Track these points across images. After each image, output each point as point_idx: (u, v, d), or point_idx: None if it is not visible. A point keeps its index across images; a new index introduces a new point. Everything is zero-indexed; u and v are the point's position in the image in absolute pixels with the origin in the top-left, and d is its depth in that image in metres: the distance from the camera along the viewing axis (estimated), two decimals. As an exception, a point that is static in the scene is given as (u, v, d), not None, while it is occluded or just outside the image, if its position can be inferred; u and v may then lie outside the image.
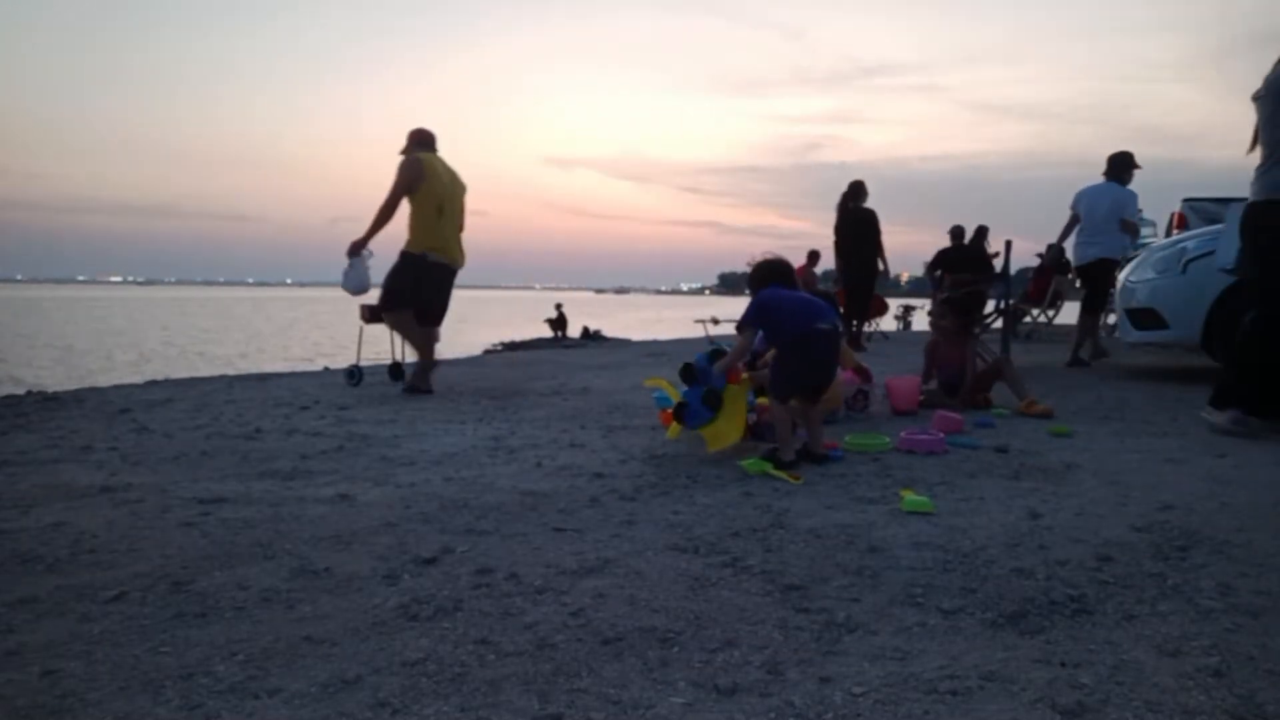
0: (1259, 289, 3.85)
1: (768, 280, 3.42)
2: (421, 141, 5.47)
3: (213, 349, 18.28)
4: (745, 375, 3.51)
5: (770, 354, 3.65)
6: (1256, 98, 3.83)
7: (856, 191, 9.07)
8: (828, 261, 10.46)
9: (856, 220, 9.05)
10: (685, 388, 3.36)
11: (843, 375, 4.30)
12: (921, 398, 4.67)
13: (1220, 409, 3.89)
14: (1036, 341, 10.73)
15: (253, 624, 1.68)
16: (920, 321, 16.36)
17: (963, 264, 10.02)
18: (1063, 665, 1.49)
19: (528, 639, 1.60)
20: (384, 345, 6.16)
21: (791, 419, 3.27)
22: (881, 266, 9.32)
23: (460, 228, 5.54)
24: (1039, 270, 12.07)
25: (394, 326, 5.51)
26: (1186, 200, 9.13)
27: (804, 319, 3.25)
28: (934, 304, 5.52)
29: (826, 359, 3.32)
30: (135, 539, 2.22)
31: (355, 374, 5.92)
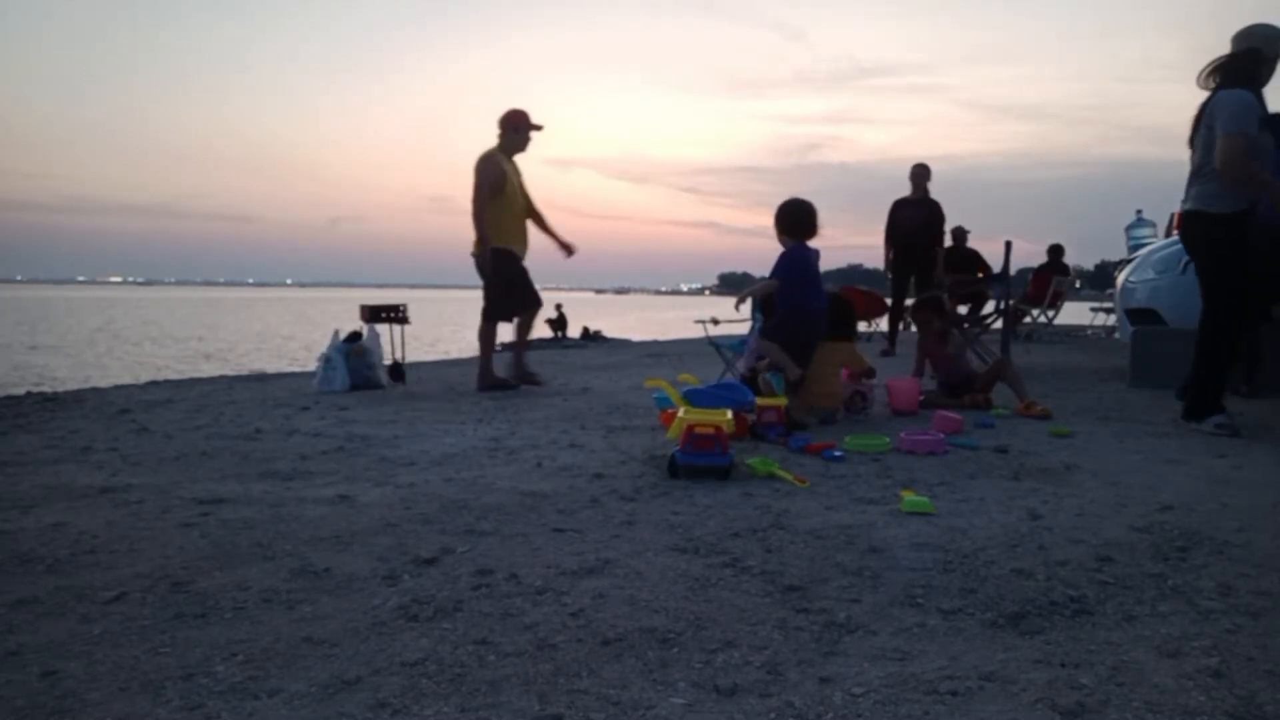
0: (1203, 295, 3.97)
1: (796, 230, 4.05)
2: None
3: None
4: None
5: (765, 362, 3.91)
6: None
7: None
8: (829, 261, 10.28)
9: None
10: (687, 388, 3.38)
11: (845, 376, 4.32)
12: (921, 398, 4.67)
13: (1199, 419, 3.99)
14: (1036, 342, 10.74)
15: (253, 624, 1.67)
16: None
17: (960, 263, 10.02)
18: (1062, 666, 1.49)
19: (528, 639, 1.60)
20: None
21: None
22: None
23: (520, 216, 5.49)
24: (1039, 270, 12.07)
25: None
26: (1186, 200, 9.13)
27: (812, 294, 4.00)
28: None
29: (818, 332, 4.07)
30: (135, 539, 2.21)
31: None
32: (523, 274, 5.52)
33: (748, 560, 2.05)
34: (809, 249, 4.05)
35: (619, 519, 2.43)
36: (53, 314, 33.16)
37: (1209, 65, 3.89)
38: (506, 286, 5.44)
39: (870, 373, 4.42)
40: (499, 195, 5.31)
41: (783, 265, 3.96)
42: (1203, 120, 3.85)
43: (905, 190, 8.38)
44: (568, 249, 5.74)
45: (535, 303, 5.58)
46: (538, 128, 5.54)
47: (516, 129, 5.48)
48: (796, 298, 3.95)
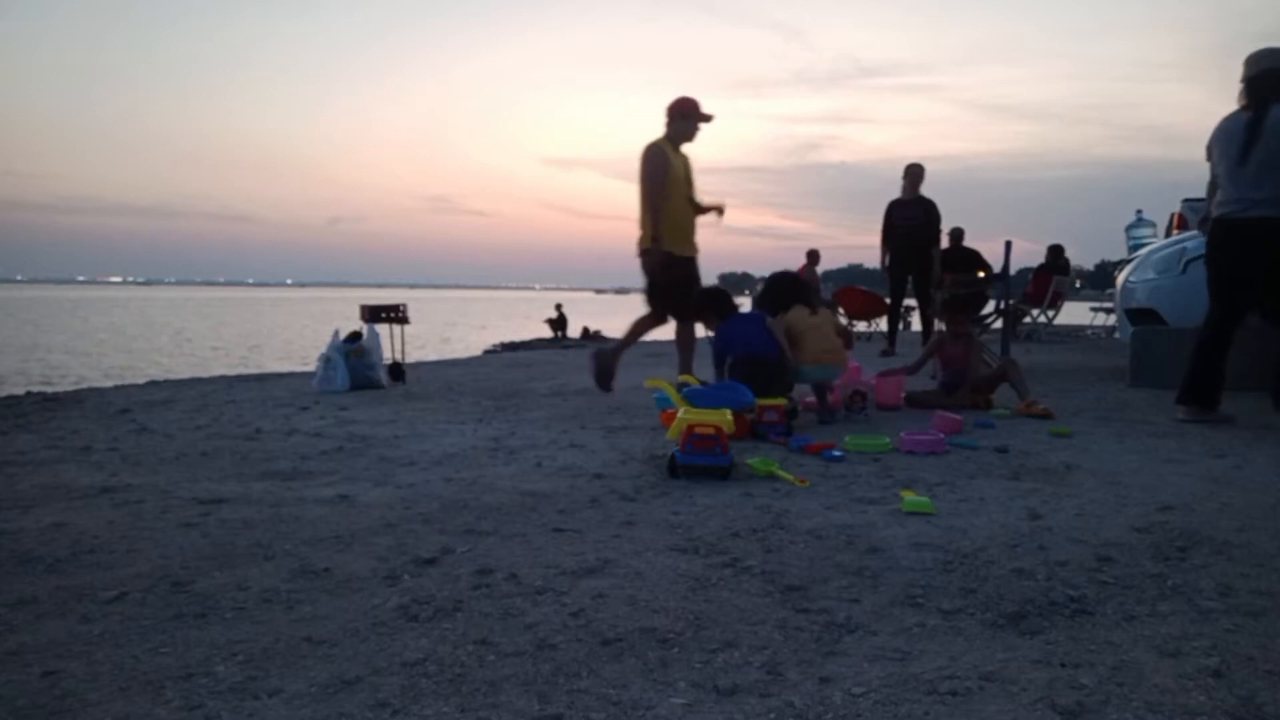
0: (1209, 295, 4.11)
1: (718, 311, 4.49)
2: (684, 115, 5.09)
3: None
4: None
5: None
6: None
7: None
8: (829, 261, 10.30)
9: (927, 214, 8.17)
10: (687, 387, 3.38)
11: (850, 367, 4.46)
12: (903, 395, 4.72)
13: (1193, 408, 4.08)
14: (1036, 342, 10.74)
15: (253, 624, 1.67)
16: (919, 322, 16.38)
17: (958, 263, 10.03)
18: (1063, 666, 1.49)
19: (528, 639, 1.60)
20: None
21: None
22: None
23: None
24: (1039, 270, 12.07)
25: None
26: (1187, 200, 9.13)
27: (750, 346, 4.22)
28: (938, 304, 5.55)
29: (765, 371, 4.06)
30: (135, 539, 2.22)
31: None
32: (677, 284, 5.07)
33: (748, 560, 2.05)
34: (734, 318, 4.41)
35: (619, 519, 2.43)
36: (88, 313, 33.10)
37: (1240, 91, 4.02)
38: (658, 292, 5.11)
39: (848, 336, 4.62)
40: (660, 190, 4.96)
41: (715, 353, 4.36)
42: (1262, 135, 3.88)
43: (899, 191, 8.41)
44: (716, 209, 5.27)
45: (678, 316, 5.22)
46: (708, 118, 5.16)
47: (685, 116, 5.12)
48: (736, 353, 4.25)
